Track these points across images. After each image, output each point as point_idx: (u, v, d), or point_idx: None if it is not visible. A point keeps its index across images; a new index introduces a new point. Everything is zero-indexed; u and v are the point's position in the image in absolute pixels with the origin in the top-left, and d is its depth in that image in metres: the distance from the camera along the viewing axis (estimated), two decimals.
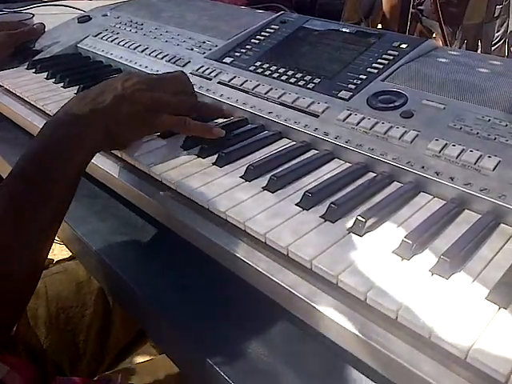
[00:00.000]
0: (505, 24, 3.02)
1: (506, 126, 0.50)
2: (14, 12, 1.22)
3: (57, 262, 0.88)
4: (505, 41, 3.07)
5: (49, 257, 0.87)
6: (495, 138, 0.49)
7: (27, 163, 0.47)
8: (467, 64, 0.62)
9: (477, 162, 0.47)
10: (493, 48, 3.10)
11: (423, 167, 0.48)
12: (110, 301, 0.81)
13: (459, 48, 2.97)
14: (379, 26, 3.13)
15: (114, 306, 0.82)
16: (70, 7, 1.34)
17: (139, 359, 0.88)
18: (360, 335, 0.35)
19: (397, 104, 0.56)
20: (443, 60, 0.63)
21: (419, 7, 3.05)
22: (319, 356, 0.38)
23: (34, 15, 1.07)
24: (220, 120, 0.63)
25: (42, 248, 0.47)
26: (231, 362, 0.39)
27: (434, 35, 3.05)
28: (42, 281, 0.80)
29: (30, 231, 0.45)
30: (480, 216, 0.44)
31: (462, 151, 0.48)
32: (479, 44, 3.13)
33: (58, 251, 1.66)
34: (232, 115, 0.63)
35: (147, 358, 0.86)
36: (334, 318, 0.37)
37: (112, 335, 0.82)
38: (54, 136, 0.49)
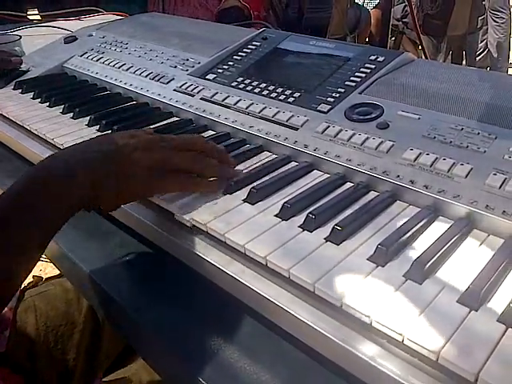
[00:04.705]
0: (487, 34, 3.08)
1: (478, 134, 0.52)
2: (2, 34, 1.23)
3: (46, 279, 0.88)
4: (488, 51, 3.13)
5: (38, 274, 0.87)
6: (467, 146, 0.51)
7: (5, 202, 0.43)
8: (441, 75, 0.64)
9: (450, 169, 0.49)
10: (477, 58, 3.16)
11: (398, 176, 0.50)
12: (100, 318, 0.81)
13: (444, 59, 3.02)
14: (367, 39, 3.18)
15: (103, 323, 0.82)
16: (58, 28, 1.36)
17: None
18: (334, 339, 0.36)
19: (373, 116, 0.58)
20: (418, 72, 0.65)
21: (404, 20, 3.10)
22: (309, 369, 0.39)
23: (21, 37, 1.09)
24: (204, 134, 0.64)
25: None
26: (219, 377, 0.38)
27: (420, 47, 3.10)
28: (32, 299, 0.80)
29: None
30: (453, 222, 0.45)
31: (435, 160, 0.50)
32: (464, 55, 3.19)
33: (50, 270, 1.66)
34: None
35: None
36: (312, 324, 0.38)
37: (102, 352, 0.82)
38: (35, 183, 0.44)
